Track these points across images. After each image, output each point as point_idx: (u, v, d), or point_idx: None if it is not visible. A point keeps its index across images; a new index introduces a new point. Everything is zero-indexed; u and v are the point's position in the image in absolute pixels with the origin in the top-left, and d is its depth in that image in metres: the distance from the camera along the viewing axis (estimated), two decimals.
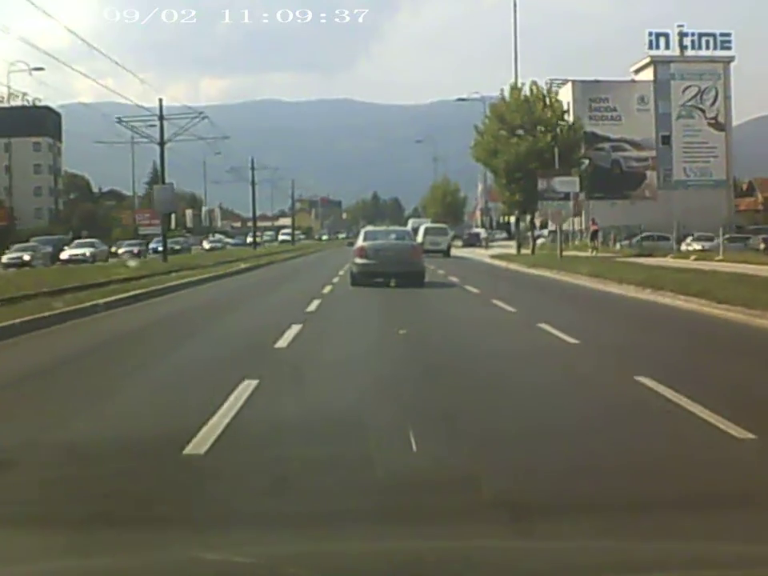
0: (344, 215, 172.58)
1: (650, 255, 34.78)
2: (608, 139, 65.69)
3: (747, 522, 3.77)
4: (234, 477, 4.64)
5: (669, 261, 30.60)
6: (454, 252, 46.44)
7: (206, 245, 73.17)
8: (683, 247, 45.81)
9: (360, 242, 20.43)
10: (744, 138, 76.40)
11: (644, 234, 50.95)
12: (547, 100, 39.85)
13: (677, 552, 2.56)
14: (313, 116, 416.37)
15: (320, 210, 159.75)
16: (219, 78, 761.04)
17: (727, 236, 50.03)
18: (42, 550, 3.55)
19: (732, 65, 68.62)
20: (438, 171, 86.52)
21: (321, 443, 5.25)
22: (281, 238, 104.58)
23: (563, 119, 40.04)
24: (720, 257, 30.35)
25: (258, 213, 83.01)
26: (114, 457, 4.99)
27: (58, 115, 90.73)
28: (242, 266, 30.94)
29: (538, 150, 37.56)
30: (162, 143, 35.24)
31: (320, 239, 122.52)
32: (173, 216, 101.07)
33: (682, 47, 67.92)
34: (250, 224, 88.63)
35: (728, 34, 68.59)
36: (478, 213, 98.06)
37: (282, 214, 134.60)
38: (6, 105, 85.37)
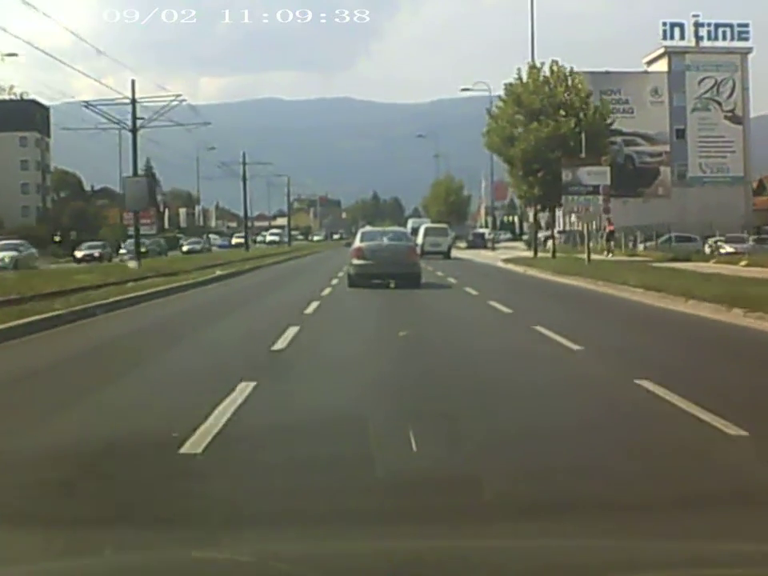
0: (343, 215, 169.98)
1: (687, 260, 30.98)
2: (620, 133, 62.12)
3: (747, 522, 3.66)
4: (231, 477, 4.54)
5: (715, 266, 26.74)
6: (457, 254, 43.54)
7: (185, 247, 63.19)
8: (707, 249, 42.62)
9: (357, 243, 20.37)
10: (756, 132, 73.35)
11: (674, 235, 47.26)
12: (569, 81, 35.34)
13: (677, 551, 2.59)
14: (313, 115, 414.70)
15: (319, 209, 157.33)
16: (219, 77, 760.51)
17: (755, 237, 46.93)
18: (42, 550, 3.53)
19: (750, 56, 65.74)
20: (440, 169, 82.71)
21: (320, 443, 5.18)
22: (268, 238, 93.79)
23: (587, 103, 35.18)
24: None
25: (256, 212, 79.02)
26: (112, 457, 4.93)
27: (47, 109, 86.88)
28: (218, 272, 26.61)
29: (561, 135, 32.91)
30: (134, 129, 30.98)
31: (311, 240, 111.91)
32: (166, 214, 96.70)
33: (698, 38, 65.15)
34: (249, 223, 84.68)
35: (746, 25, 65.97)
36: (482, 212, 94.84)
37: (281, 214, 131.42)
38: None
